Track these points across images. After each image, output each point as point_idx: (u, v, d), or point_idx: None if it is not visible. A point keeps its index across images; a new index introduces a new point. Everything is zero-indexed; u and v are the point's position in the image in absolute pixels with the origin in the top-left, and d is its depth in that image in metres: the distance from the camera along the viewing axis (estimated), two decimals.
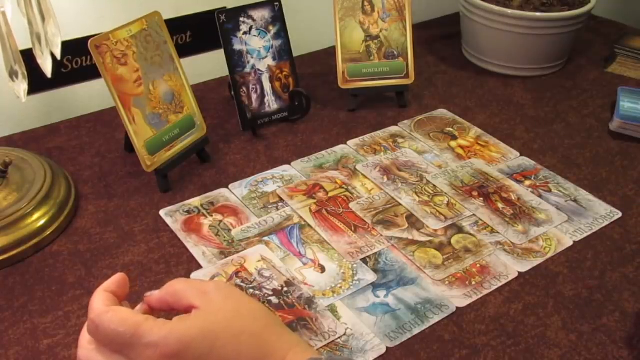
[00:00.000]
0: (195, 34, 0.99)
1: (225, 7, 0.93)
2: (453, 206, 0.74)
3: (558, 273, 0.66)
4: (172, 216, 0.72)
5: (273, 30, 0.87)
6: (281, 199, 0.75)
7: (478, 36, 1.05)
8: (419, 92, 0.99)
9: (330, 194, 0.76)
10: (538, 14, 0.97)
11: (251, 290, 0.62)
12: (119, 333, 0.39)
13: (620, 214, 0.74)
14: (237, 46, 0.84)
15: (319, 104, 0.95)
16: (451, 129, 0.90)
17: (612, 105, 0.96)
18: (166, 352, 0.39)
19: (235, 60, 0.85)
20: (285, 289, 0.62)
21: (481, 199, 0.76)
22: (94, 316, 0.41)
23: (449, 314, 0.60)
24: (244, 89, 0.86)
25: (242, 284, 0.62)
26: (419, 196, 0.76)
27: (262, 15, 0.85)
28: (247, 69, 0.86)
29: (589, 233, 0.71)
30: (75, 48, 0.87)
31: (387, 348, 0.57)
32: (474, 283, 0.64)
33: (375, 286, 0.63)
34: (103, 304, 0.42)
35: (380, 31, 0.92)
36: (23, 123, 0.88)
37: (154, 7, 0.75)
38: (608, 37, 1.18)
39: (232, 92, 0.86)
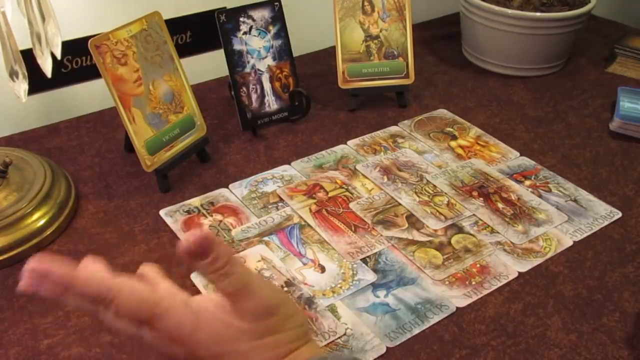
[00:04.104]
0: (195, 34, 0.99)
1: (225, 7, 0.93)
2: (453, 206, 0.74)
3: (558, 273, 0.66)
4: (172, 216, 0.72)
5: (273, 30, 0.87)
6: (281, 199, 0.75)
7: (478, 36, 1.05)
8: (419, 92, 0.99)
9: (330, 194, 0.76)
10: (538, 14, 0.97)
11: None
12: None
13: (620, 214, 0.74)
14: (237, 46, 0.84)
15: (319, 104, 0.95)
16: (451, 129, 0.90)
17: (612, 105, 0.96)
18: None
19: (235, 60, 0.85)
20: (285, 289, 0.62)
21: (481, 199, 0.75)
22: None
23: (449, 314, 0.60)
24: (244, 89, 0.86)
25: None
26: (419, 196, 0.76)
27: (262, 15, 0.85)
28: (247, 69, 0.86)
29: (589, 233, 0.71)
30: (75, 48, 0.87)
31: (387, 348, 0.57)
32: (474, 283, 0.64)
33: (375, 286, 0.63)
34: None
35: (380, 31, 0.92)
36: (23, 123, 0.88)
37: (154, 7, 0.75)
38: (608, 37, 1.18)
39: (232, 92, 0.86)
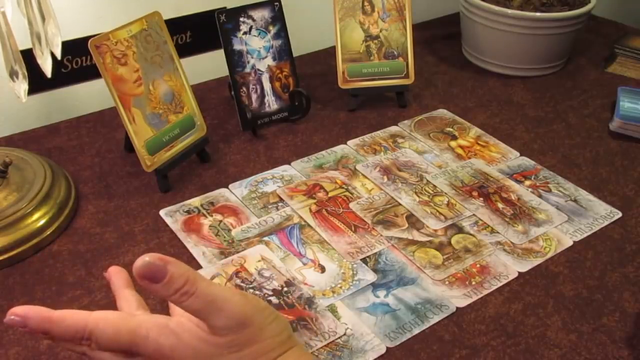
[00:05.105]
0: (195, 34, 0.99)
1: (225, 7, 0.93)
2: (453, 206, 0.74)
3: (558, 273, 0.66)
4: (172, 216, 0.72)
5: (273, 30, 0.87)
6: (281, 199, 0.75)
7: (478, 36, 1.05)
8: (419, 92, 0.99)
9: (330, 194, 0.76)
10: (538, 14, 0.97)
11: (251, 290, 0.62)
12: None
13: (620, 214, 0.74)
14: (237, 46, 0.84)
15: (319, 104, 0.95)
16: (451, 129, 0.90)
17: (612, 105, 0.96)
18: None
19: (235, 60, 0.85)
20: (285, 289, 0.62)
21: (481, 199, 0.76)
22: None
23: (449, 314, 0.60)
24: (244, 89, 0.86)
25: (242, 284, 0.62)
26: (419, 196, 0.76)
27: (262, 15, 0.85)
28: (247, 69, 0.86)
29: (589, 233, 0.71)
30: (75, 48, 0.87)
31: (387, 348, 0.57)
32: (474, 283, 0.64)
33: (375, 286, 0.63)
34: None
35: (380, 31, 0.92)
36: (23, 123, 0.88)
37: (154, 7, 0.75)
38: (608, 37, 1.18)
39: (232, 92, 0.87)
